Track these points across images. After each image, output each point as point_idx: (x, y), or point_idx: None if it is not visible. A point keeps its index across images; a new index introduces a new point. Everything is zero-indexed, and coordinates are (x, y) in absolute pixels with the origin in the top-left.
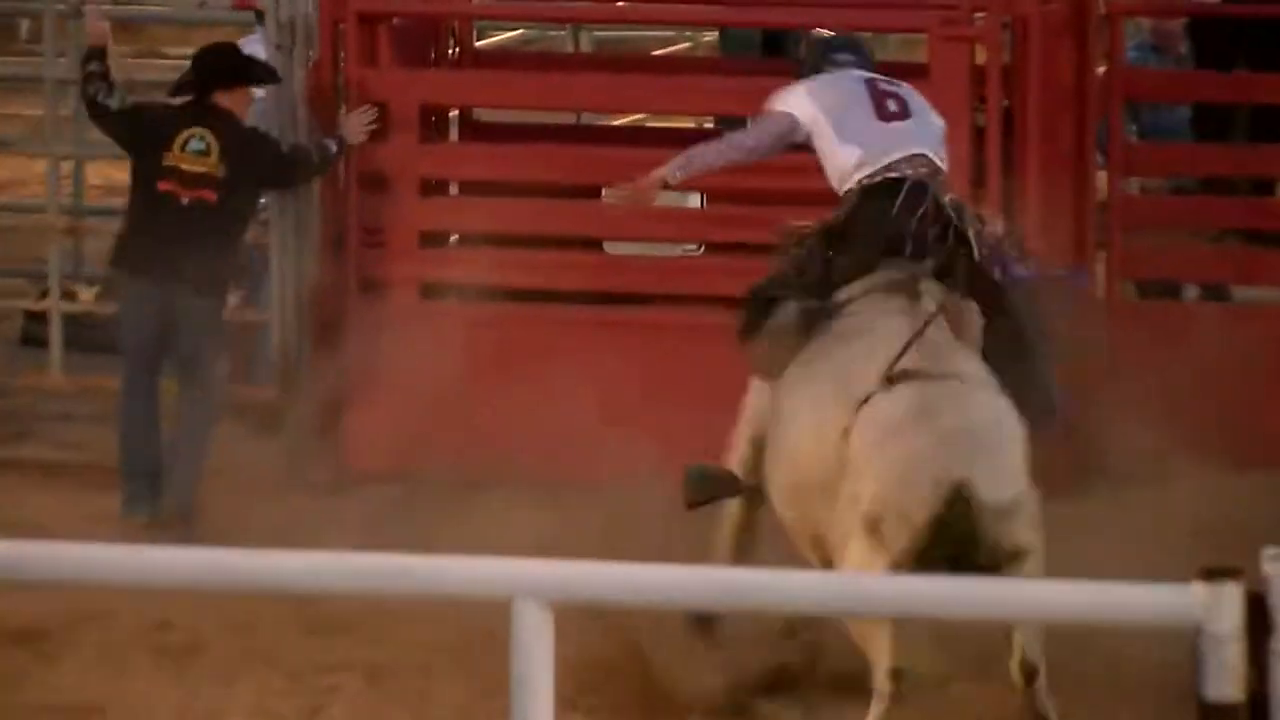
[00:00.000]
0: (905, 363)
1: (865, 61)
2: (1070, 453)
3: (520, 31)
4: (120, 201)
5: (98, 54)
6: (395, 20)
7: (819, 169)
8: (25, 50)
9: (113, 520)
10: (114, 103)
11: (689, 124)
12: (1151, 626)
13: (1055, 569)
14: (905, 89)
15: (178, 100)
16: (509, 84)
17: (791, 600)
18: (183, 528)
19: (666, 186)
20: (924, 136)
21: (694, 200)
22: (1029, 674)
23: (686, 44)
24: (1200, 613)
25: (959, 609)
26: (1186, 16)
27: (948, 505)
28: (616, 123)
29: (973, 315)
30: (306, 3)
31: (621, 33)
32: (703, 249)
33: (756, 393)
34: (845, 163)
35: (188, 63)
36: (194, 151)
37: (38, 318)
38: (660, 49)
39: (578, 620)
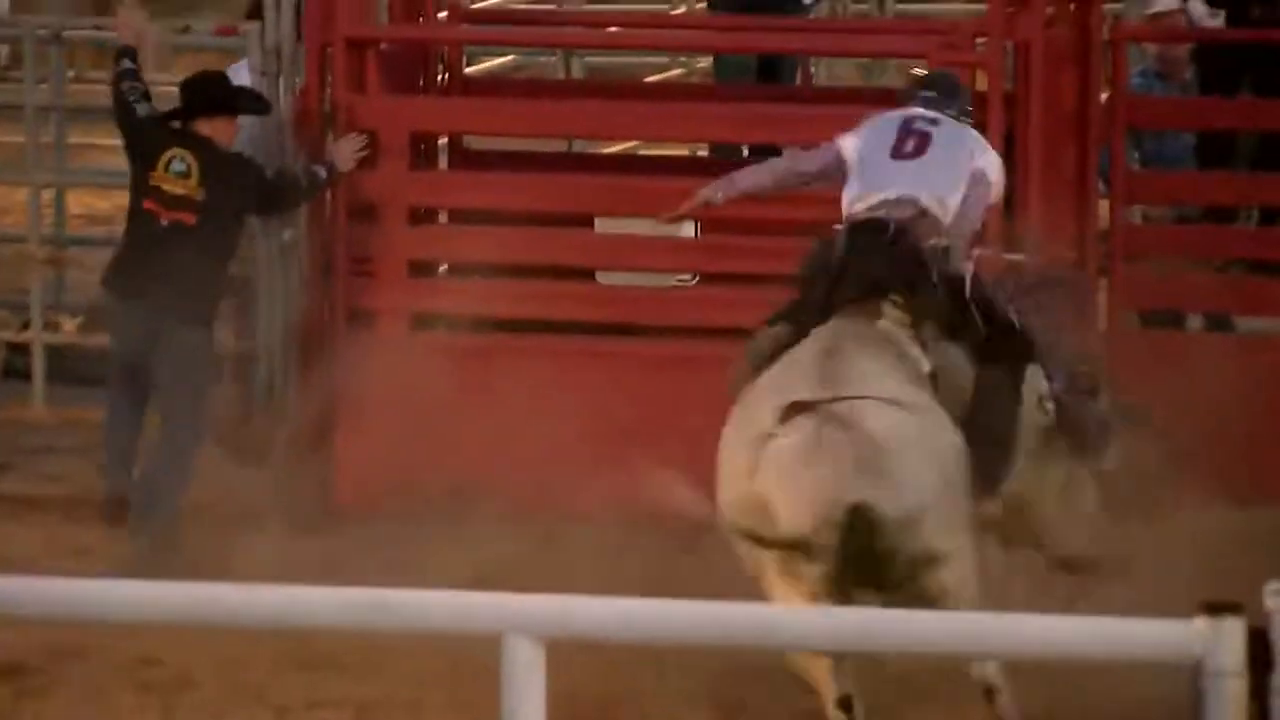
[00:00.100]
0: (803, 393)
1: (942, 98)
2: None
3: (511, 58)
4: (102, 231)
5: (130, 52)
6: (383, 46)
7: (812, 200)
8: (5, 77)
9: (96, 554)
10: (141, 109)
11: (683, 151)
12: (1152, 662)
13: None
14: (944, 128)
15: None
16: (499, 111)
17: (786, 636)
18: (163, 560)
19: (709, 206)
20: (925, 178)
21: (688, 230)
22: (988, 693)
23: (680, 70)
24: (1201, 648)
25: (957, 646)
26: (1191, 42)
27: (849, 528)
28: (609, 150)
29: (954, 357)
30: (292, 28)
31: (614, 59)
32: (696, 279)
33: None
34: (845, 199)
35: (171, 89)
36: (175, 173)
37: (20, 349)
38: (653, 75)
39: (574, 654)
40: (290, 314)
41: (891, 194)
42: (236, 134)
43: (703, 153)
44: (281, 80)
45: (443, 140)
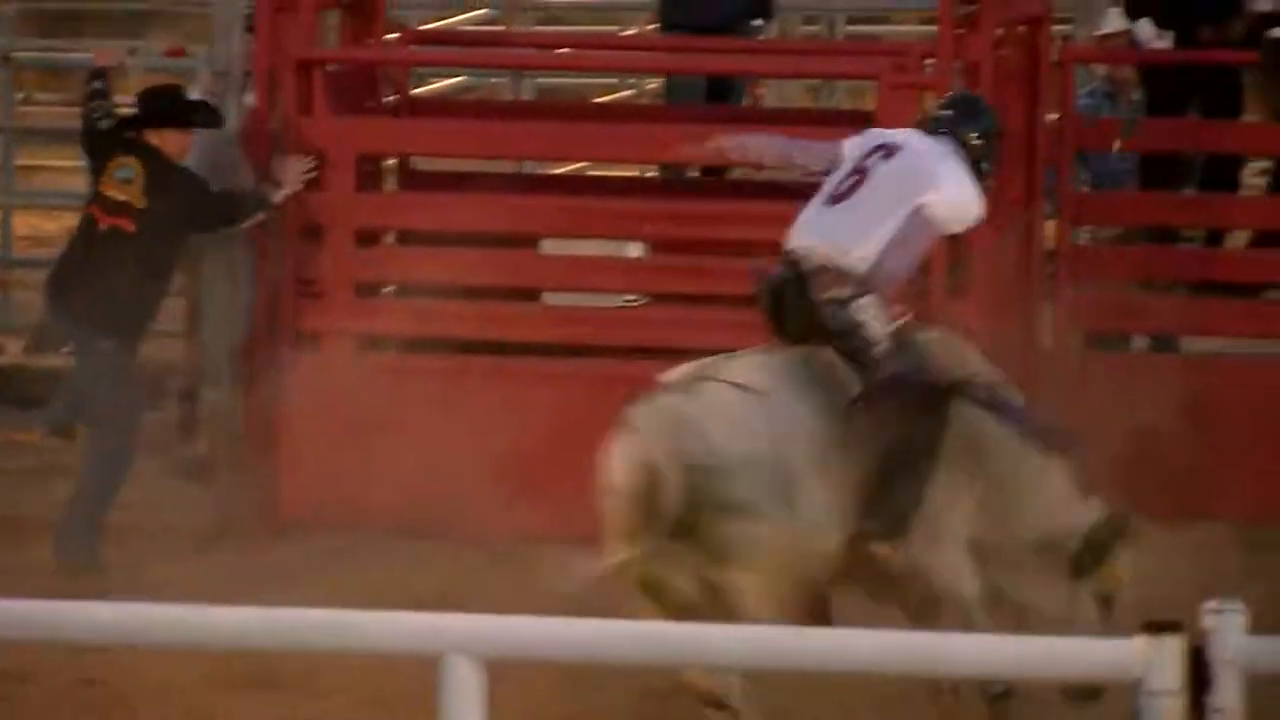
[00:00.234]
0: (676, 376)
1: (957, 119)
2: None
3: (460, 79)
4: (48, 253)
5: (100, 73)
6: (331, 67)
7: (759, 219)
8: None
9: (36, 575)
10: (103, 125)
11: (633, 172)
12: (1093, 681)
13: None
14: (898, 161)
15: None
16: (447, 132)
17: (722, 654)
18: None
19: (719, 154)
20: (835, 229)
21: (635, 250)
22: (717, 706)
23: (630, 91)
24: (1141, 667)
25: (899, 665)
26: (1138, 64)
27: (647, 470)
28: (558, 171)
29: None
30: (241, 50)
31: (563, 80)
32: (644, 300)
33: None
34: None
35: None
36: (120, 179)
37: None
38: (603, 96)
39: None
40: (237, 333)
41: (797, 244)
42: (190, 150)
43: (652, 174)
44: (231, 102)
45: (391, 161)
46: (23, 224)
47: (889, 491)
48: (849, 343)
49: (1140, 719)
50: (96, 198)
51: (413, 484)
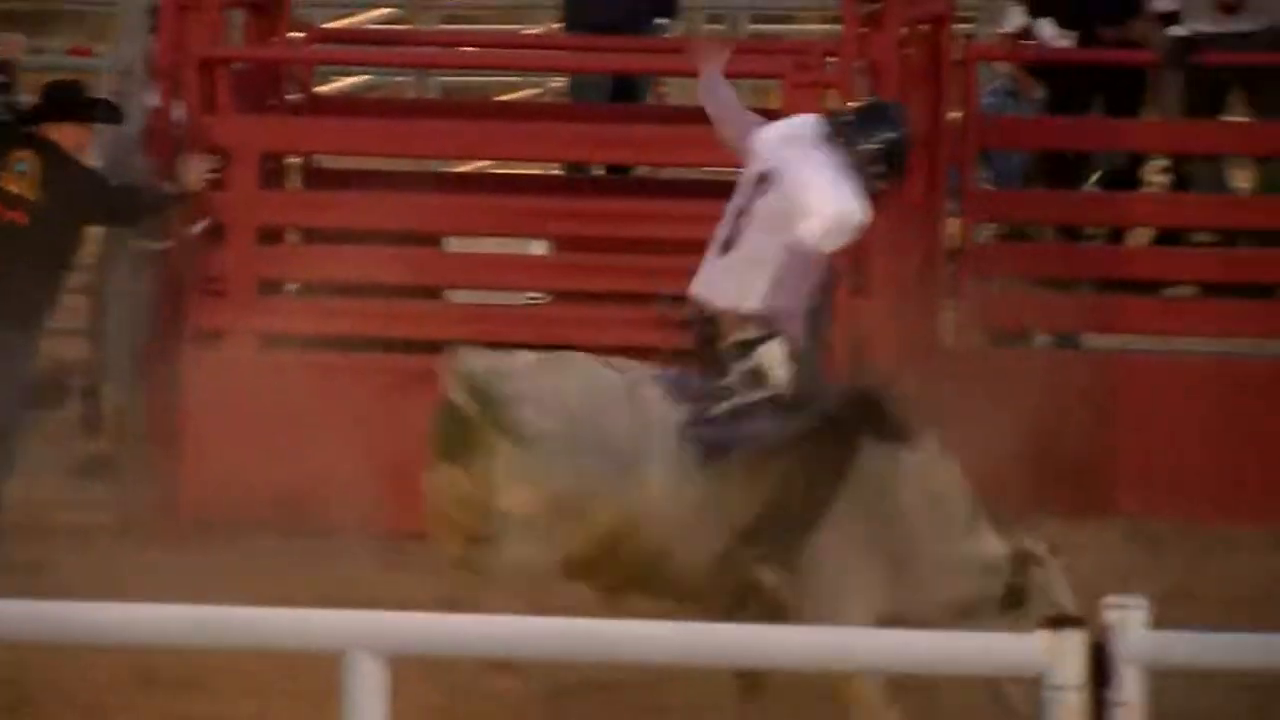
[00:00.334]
0: None
1: (856, 128)
2: None
3: (364, 77)
4: None
5: (2, 67)
6: (236, 66)
7: (662, 218)
8: None
9: None
10: (3, 118)
11: (535, 170)
12: (995, 676)
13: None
14: (772, 199)
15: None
16: (351, 130)
17: (630, 650)
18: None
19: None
20: (722, 281)
21: (539, 248)
22: None
23: (534, 90)
24: (1043, 662)
25: (811, 659)
26: (1040, 62)
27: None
28: (462, 169)
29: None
30: (145, 49)
31: (467, 78)
32: (548, 297)
33: None
34: None
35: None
36: (17, 172)
37: None
38: (507, 95)
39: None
40: (139, 330)
41: (697, 291)
42: (90, 145)
43: (556, 171)
44: (134, 100)
45: (295, 159)
46: None
47: (779, 521)
48: (752, 388)
49: (1043, 714)
50: None
51: (315, 481)
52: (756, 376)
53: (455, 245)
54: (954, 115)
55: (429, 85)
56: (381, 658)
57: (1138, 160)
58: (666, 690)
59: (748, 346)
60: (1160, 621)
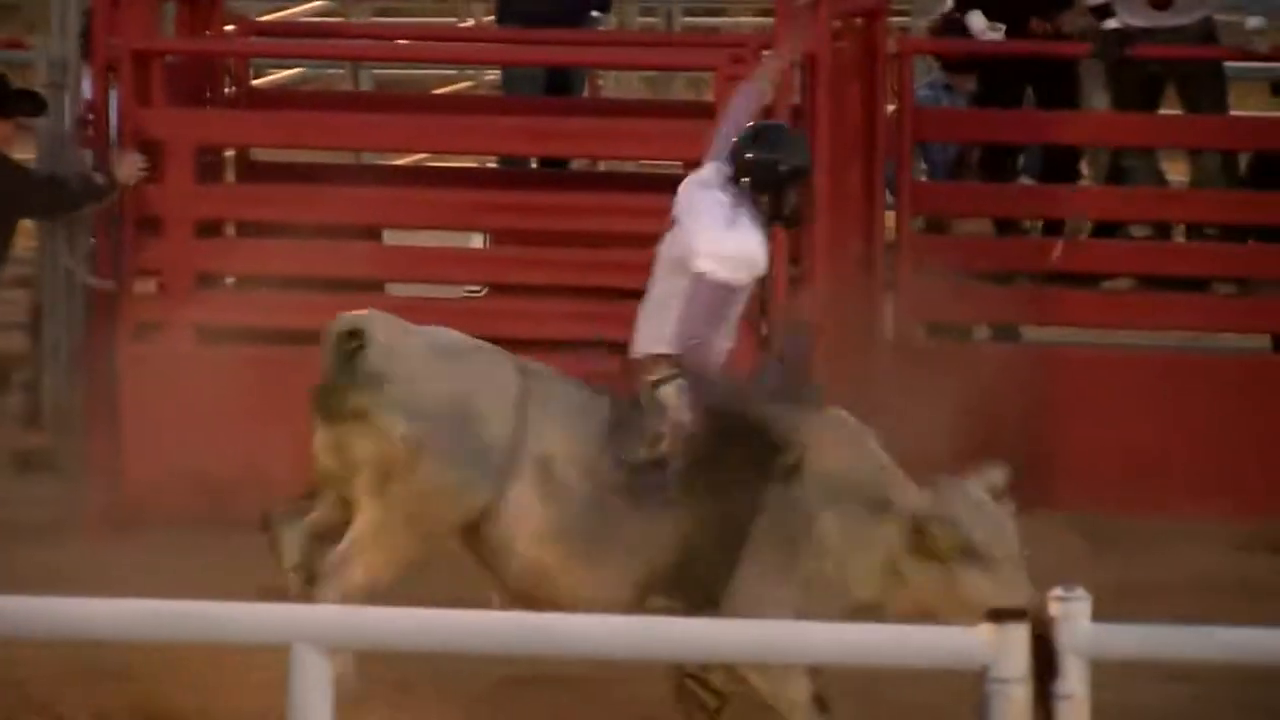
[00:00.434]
0: None
1: (744, 160)
2: None
3: (298, 70)
4: None
5: None
6: (170, 59)
7: (600, 211)
8: None
9: None
10: None
11: (471, 163)
12: (939, 669)
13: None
14: (670, 242)
15: None
16: (287, 123)
17: (573, 644)
18: None
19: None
20: (643, 324)
21: (477, 241)
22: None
23: (469, 83)
24: (986, 655)
25: (751, 653)
26: (972, 55)
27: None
28: (397, 162)
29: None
30: (78, 41)
31: (402, 71)
32: (486, 291)
33: None
34: None
35: None
36: None
37: None
38: (442, 88)
39: None
40: (77, 324)
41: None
42: (15, 138)
43: (491, 165)
44: (67, 93)
45: (230, 153)
46: None
47: (691, 567)
48: (654, 425)
49: (987, 707)
50: None
51: (256, 475)
52: (662, 416)
53: (392, 238)
54: (889, 109)
55: (362, 78)
56: (326, 651)
57: (1076, 153)
58: (626, 685)
59: (656, 387)
60: (1102, 615)
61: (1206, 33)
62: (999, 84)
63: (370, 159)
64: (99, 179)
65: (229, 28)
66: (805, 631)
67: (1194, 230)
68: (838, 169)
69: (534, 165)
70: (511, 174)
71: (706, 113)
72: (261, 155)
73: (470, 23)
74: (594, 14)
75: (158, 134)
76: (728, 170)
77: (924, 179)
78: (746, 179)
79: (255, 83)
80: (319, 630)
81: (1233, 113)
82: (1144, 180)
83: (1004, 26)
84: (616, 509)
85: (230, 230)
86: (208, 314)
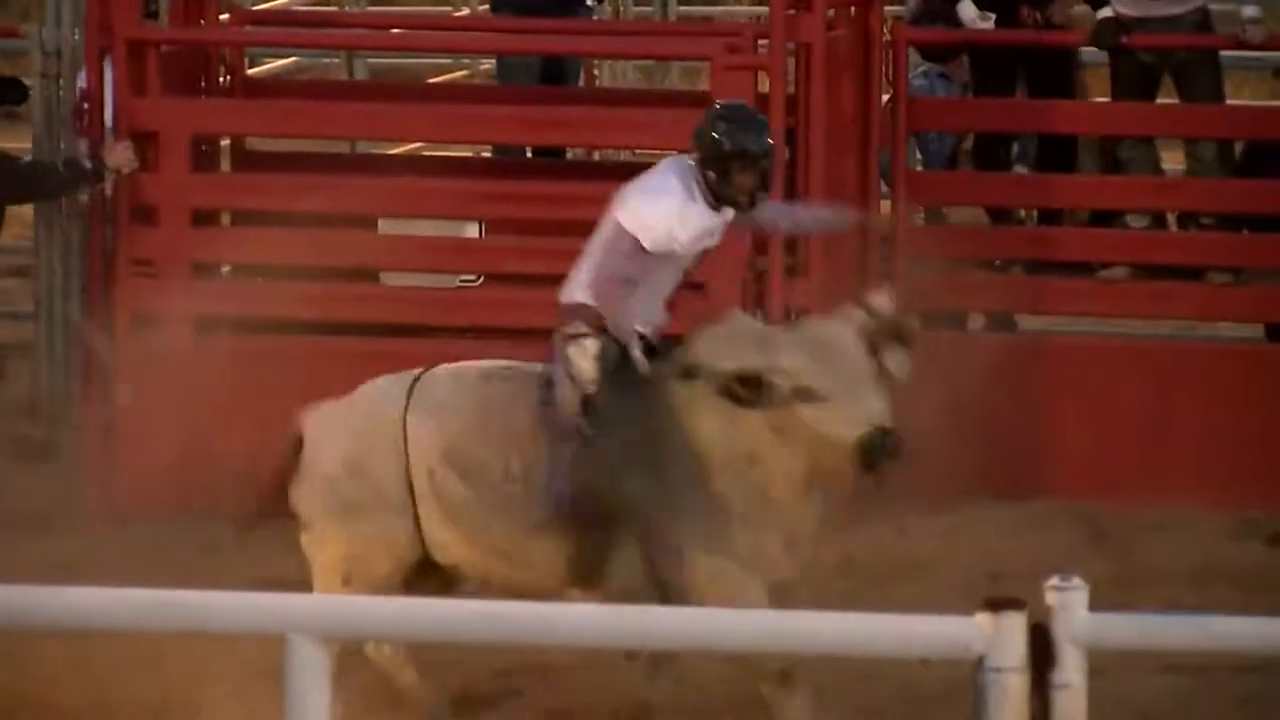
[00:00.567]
0: None
1: (699, 132)
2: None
3: (293, 60)
4: None
5: None
6: (164, 48)
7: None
8: None
9: None
10: None
11: (466, 153)
12: (935, 658)
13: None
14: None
15: None
16: (282, 113)
17: (565, 633)
18: None
19: None
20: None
21: (472, 230)
22: None
23: (464, 72)
24: (982, 644)
25: (743, 642)
26: (965, 44)
27: None
28: (392, 152)
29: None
30: (72, 30)
31: (397, 60)
32: (481, 280)
33: None
34: None
35: None
36: None
37: None
38: (437, 77)
39: None
40: (72, 314)
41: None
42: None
43: (486, 154)
44: (63, 82)
45: (225, 142)
46: None
47: (588, 543)
48: (563, 380)
49: (983, 696)
50: None
51: (252, 465)
52: (571, 373)
53: (387, 228)
54: (884, 98)
55: (357, 67)
56: (321, 641)
57: (1072, 142)
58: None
59: (568, 340)
60: (1099, 604)
61: (1201, 22)
62: (991, 74)
63: (365, 148)
64: (87, 164)
65: (223, 17)
66: (797, 621)
67: (1189, 219)
68: (833, 158)
69: (529, 155)
70: (507, 163)
71: (701, 102)
72: (257, 145)
73: (465, 12)
74: (588, 3)
75: (152, 124)
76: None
77: (919, 169)
78: (697, 155)
79: (250, 72)
80: (314, 620)
81: (1229, 102)
82: (1142, 170)
83: (994, 16)
84: (511, 492)
85: (225, 220)
86: (204, 303)
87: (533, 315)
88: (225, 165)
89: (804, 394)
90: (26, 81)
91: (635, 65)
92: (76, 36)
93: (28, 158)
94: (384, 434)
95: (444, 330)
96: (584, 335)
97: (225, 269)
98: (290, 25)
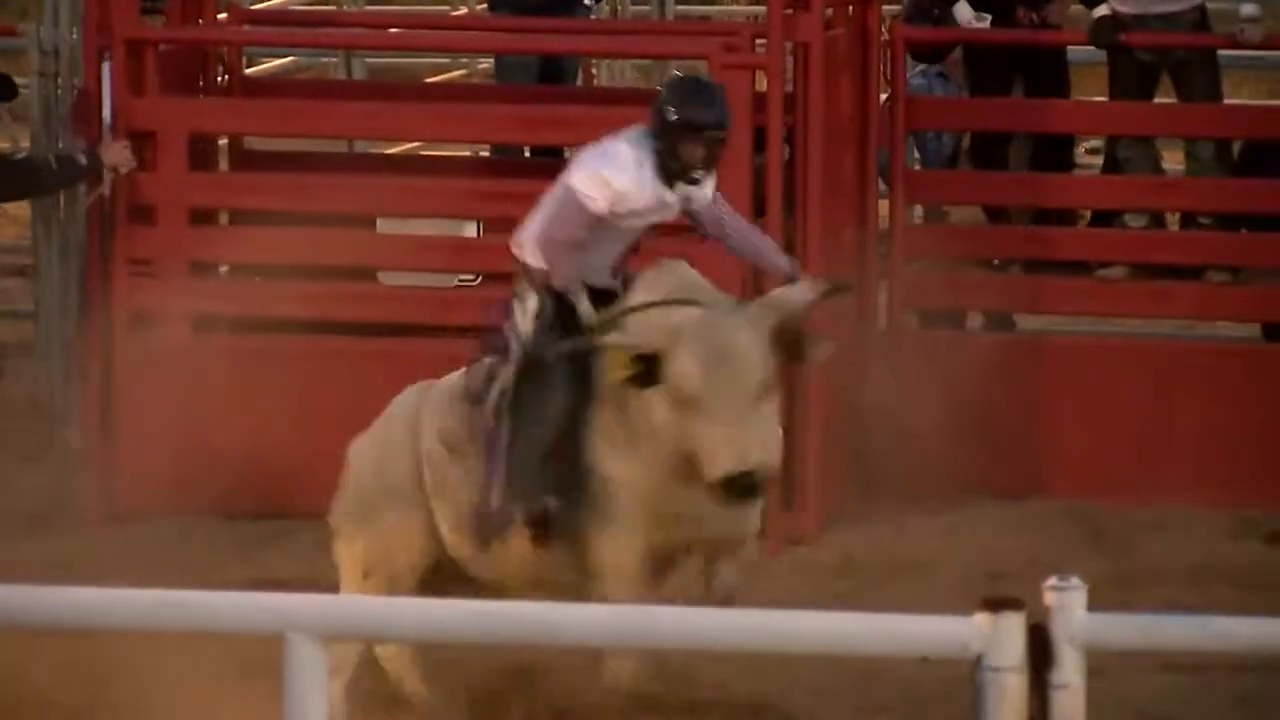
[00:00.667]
0: None
1: (655, 102)
2: (853, 480)
3: (291, 59)
4: None
5: None
6: (162, 47)
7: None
8: None
9: None
10: None
11: (464, 152)
12: (934, 658)
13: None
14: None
15: None
16: (280, 112)
17: (565, 634)
18: None
19: None
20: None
21: (470, 230)
22: None
23: (462, 71)
24: (980, 644)
25: (739, 642)
26: (960, 44)
27: None
28: (390, 151)
29: None
30: (70, 29)
31: (395, 60)
32: (479, 279)
33: None
34: None
35: None
36: None
37: None
38: (435, 76)
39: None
40: (71, 313)
41: None
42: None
43: (485, 153)
44: (61, 82)
45: (223, 141)
46: None
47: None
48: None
49: (982, 696)
50: None
51: (249, 464)
52: (514, 326)
53: (385, 227)
54: (882, 97)
55: (355, 67)
56: (319, 640)
57: (1069, 142)
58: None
59: (515, 296)
60: (1097, 604)
61: (1199, 20)
62: (987, 74)
63: (363, 147)
64: (81, 159)
65: (221, 16)
66: (793, 620)
67: (1188, 218)
68: (831, 157)
69: (527, 154)
70: (505, 163)
71: None
72: (255, 144)
73: (463, 11)
74: (586, 2)
75: (151, 123)
76: None
77: (917, 168)
78: (650, 125)
79: (248, 71)
80: (312, 619)
81: (1227, 101)
82: (1141, 169)
83: (990, 17)
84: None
85: (223, 219)
86: (202, 302)
87: None
88: (223, 164)
89: (688, 403)
90: (20, 80)
91: (633, 64)
92: (74, 35)
93: (21, 154)
94: (400, 432)
95: (443, 330)
96: (527, 295)
97: (223, 268)
98: (288, 24)
